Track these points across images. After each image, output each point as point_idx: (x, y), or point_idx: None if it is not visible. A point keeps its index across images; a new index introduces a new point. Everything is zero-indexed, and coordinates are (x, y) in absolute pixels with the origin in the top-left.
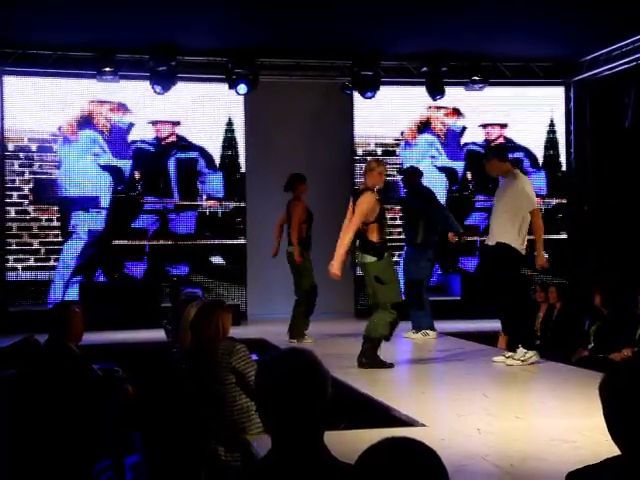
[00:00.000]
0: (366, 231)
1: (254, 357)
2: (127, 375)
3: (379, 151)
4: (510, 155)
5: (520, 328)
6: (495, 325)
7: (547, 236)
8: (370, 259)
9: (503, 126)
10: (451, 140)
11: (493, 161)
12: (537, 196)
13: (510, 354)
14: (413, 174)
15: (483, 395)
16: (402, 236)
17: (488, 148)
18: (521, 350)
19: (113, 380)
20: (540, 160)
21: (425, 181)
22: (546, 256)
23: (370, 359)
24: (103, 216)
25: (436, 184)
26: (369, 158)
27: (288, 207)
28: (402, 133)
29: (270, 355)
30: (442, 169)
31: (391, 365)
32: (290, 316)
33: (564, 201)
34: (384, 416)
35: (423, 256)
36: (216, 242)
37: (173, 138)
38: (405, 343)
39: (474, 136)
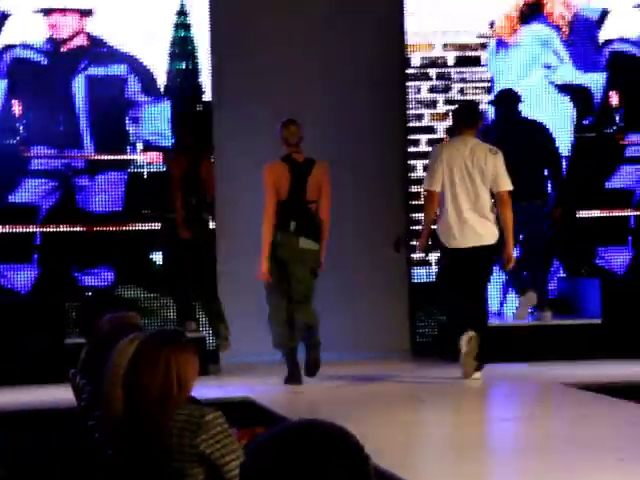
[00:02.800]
0: (313, 210)
1: (236, 433)
2: (8, 473)
3: (451, 58)
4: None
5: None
6: None
7: None
8: (315, 246)
9: None
10: (581, 35)
11: None
12: None
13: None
14: (505, 101)
15: None
16: None
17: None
18: None
19: None
20: None
21: (536, 108)
22: (420, 255)
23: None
24: None
25: (555, 114)
26: (432, 73)
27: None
28: (492, 25)
29: (274, 433)
30: (565, 88)
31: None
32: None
33: None
34: None
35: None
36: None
37: (81, 40)
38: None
39: (623, 26)
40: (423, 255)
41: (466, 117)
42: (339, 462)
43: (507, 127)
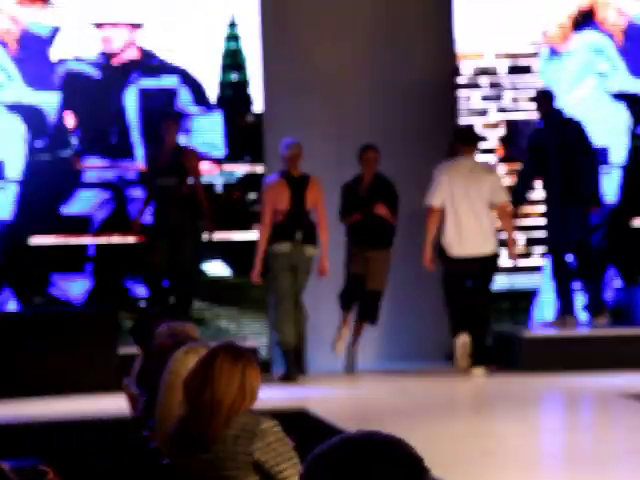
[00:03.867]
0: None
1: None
2: (60, 479)
3: (503, 67)
4: None
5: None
6: None
7: None
8: (315, 252)
9: None
10: (636, 43)
11: None
12: None
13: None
14: (543, 100)
15: None
16: None
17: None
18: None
19: None
20: None
21: (590, 116)
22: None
23: None
24: (11, 195)
25: (610, 122)
26: (482, 81)
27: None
28: (544, 35)
29: (333, 444)
30: (620, 97)
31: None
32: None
33: None
34: None
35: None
36: (214, 238)
37: (132, 53)
38: None
39: None
40: (433, 268)
41: (465, 137)
42: (398, 474)
43: (558, 129)
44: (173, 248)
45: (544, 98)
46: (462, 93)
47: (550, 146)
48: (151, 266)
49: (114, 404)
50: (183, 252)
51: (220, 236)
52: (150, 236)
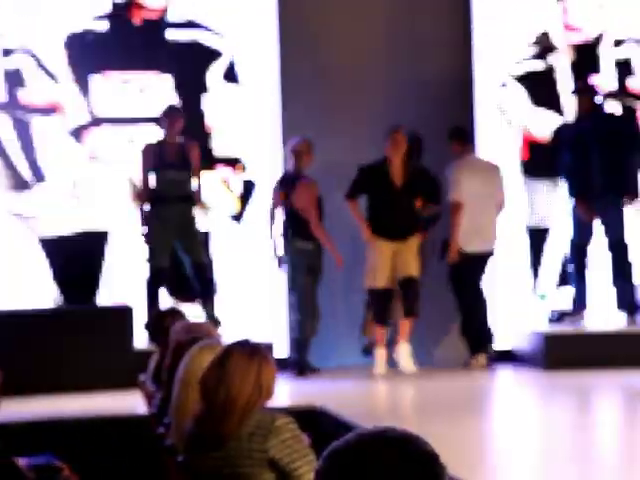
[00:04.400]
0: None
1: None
2: (76, 476)
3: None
4: None
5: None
6: None
7: None
8: (309, 246)
9: None
10: None
11: None
12: None
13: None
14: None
15: None
16: None
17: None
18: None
19: None
20: None
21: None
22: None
23: None
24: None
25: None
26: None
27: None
28: None
29: (349, 440)
30: None
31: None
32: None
33: None
34: None
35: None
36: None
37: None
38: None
39: None
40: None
41: (463, 137)
42: (415, 470)
43: (599, 124)
44: (183, 246)
45: (586, 91)
46: (478, 88)
47: (592, 141)
48: (153, 266)
49: (129, 401)
50: (194, 250)
51: None
52: (152, 235)
